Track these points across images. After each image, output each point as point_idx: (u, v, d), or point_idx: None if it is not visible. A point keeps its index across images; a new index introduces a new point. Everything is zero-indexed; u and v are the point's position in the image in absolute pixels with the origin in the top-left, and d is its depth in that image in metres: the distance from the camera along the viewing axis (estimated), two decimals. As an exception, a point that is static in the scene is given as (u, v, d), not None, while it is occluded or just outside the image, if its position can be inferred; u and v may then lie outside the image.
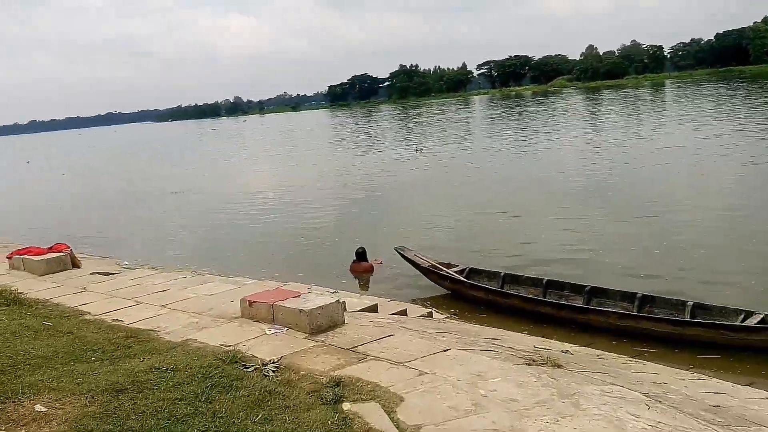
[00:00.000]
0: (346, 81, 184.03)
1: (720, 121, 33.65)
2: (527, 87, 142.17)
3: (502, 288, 9.81)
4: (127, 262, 11.51)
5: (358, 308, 7.62)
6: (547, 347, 6.08)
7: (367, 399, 4.26)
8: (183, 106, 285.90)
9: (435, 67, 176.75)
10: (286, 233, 16.52)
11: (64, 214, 23.56)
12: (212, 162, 42.01)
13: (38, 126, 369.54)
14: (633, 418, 3.89)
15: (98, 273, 8.47)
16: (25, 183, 41.23)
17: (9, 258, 8.82)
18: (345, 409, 4.06)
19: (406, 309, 8.29)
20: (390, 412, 4.06)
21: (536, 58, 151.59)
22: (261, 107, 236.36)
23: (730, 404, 4.68)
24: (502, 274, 10.10)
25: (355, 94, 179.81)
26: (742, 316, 7.44)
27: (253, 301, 5.96)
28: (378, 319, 6.88)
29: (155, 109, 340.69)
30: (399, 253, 11.25)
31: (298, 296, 5.89)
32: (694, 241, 12.17)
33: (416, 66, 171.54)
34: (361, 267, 12.02)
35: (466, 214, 16.84)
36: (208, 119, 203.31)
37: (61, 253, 8.62)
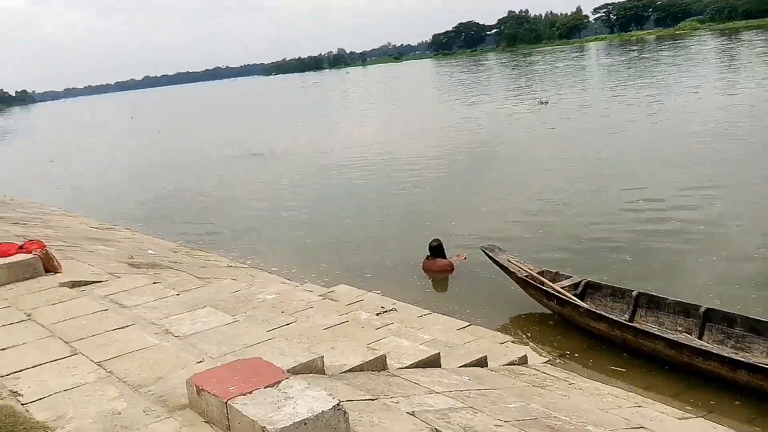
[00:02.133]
0: (451, 29, 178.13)
1: None
2: (650, 31, 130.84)
3: (634, 315, 6.91)
4: (151, 251, 9.52)
5: (410, 361, 5.07)
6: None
7: None
8: (287, 59, 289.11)
9: (546, 12, 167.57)
10: (353, 211, 14.04)
11: (138, 178, 22.33)
12: (302, 119, 40.07)
13: (151, 81, 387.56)
14: None
15: (73, 283, 6.37)
16: (120, 140, 41.05)
17: (-30, 258, 6.88)
18: None
19: (485, 356, 5.63)
20: None
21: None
22: (363, 59, 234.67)
23: None
24: (634, 293, 7.10)
25: (460, 42, 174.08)
26: None
27: (202, 389, 3.50)
28: (434, 395, 4.30)
29: (261, 63, 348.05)
30: (487, 254, 8.57)
31: (275, 386, 3.36)
32: None
33: (526, 11, 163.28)
34: (437, 265, 9.46)
35: (594, 197, 12.71)
36: (311, 72, 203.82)
37: (30, 255, 6.53)
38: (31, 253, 6.64)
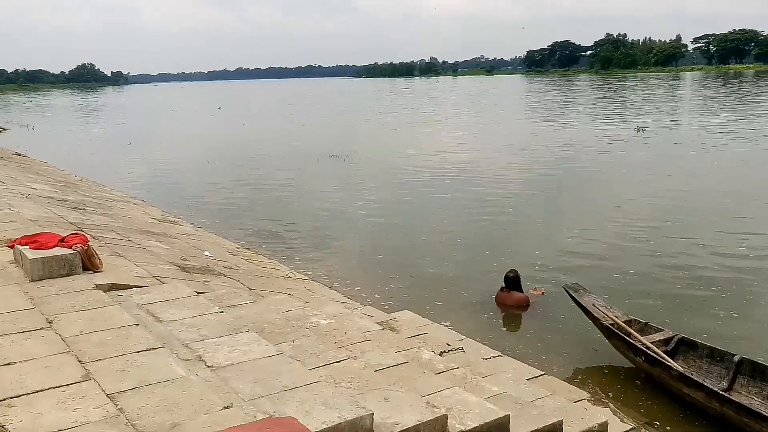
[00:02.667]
0: (546, 47, 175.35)
1: None
2: (750, 65, 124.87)
3: (733, 383, 5.88)
4: (208, 253, 8.88)
5: (475, 423, 4.17)
6: None
7: None
8: (379, 63, 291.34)
9: (645, 38, 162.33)
10: (428, 227, 13.09)
11: (212, 170, 22.07)
12: (386, 124, 39.43)
13: (243, 73, 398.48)
14: None
15: (111, 285, 5.71)
16: (203, 130, 41.41)
17: (10, 246, 6.35)
18: None
19: (561, 421, 4.61)
20: None
21: (765, 34, 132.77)
22: (455, 69, 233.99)
23: None
24: (736, 358, 6.04)
25: (554, 61, 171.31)
26: None
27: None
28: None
29: (353, 65, 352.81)
30: (570, 294, 7.55)
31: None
32: None
33: (624, 35, 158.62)
34: (511, 299, 8.50)
35: (693, 238, 11.34)
36: (401, 78, 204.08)
37: (69, 251, 5.92)
38: (71, 247, 6.04)
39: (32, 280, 5.76)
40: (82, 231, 8.28)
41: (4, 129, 41.64)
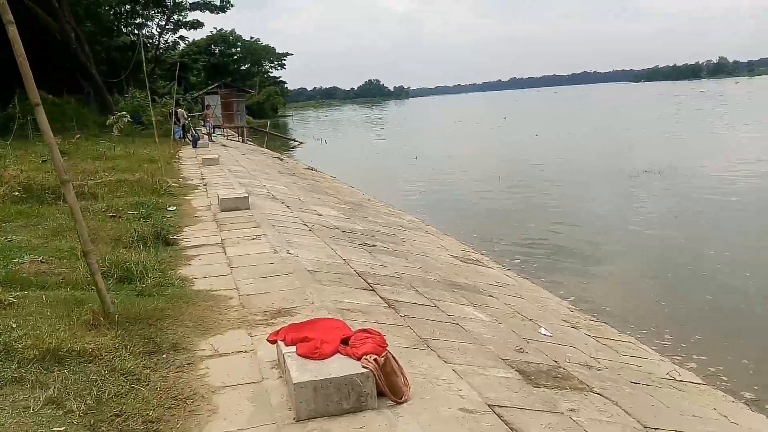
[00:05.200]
0: None
1: None
2: None
3: None
4: (544, 331, 5.97)
5: None
6: None
7: None
8: (659, 66, 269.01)
9: None
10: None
11: (504, 190, 19.27)
12: (699, 130, 33.39)
13: (517, 83, 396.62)
14: None
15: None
16: (493, 142, 38.69)
17: (272, 340, 4.01)
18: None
19: None
20: None
21: None
22: (750, 68, 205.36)
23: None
24: None
25: None
26: None
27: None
28: None
29: (630, 70, 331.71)
30: None
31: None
32: None
33: None
34: None
35: None
36: (685, 81, 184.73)
37: (356, 367, 3.38)
38: (359, 359, 3.48)
39: (298, 420, 3.32)
40: (372, 287, 5.94)
41: (302, 142, 44.13)
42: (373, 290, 5.88)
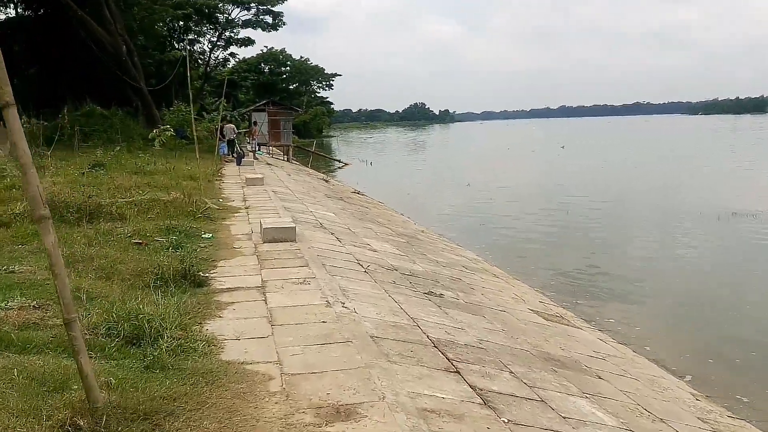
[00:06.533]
0: None
1: None
2: None
3: None
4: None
5: None
6: None
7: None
8: (719, 99, 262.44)
9: None
10: None
11: (576, 228, 17.52)
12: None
13: (567, 111, 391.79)
14: None
15: None
16: (555, 174, 36.30)
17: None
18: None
19: None
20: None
21: None
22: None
23: None
24: None
25: None
26: None
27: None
28: None
29: (687, 101, 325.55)
30: None
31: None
32: None
33: None
34: None
35: None
36: (748, 115, 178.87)
37: None
38: None
39: None
40: (456, 368, 4.52)
41: (347, 164, 43.09)
42: (457, 372, 4.41)
